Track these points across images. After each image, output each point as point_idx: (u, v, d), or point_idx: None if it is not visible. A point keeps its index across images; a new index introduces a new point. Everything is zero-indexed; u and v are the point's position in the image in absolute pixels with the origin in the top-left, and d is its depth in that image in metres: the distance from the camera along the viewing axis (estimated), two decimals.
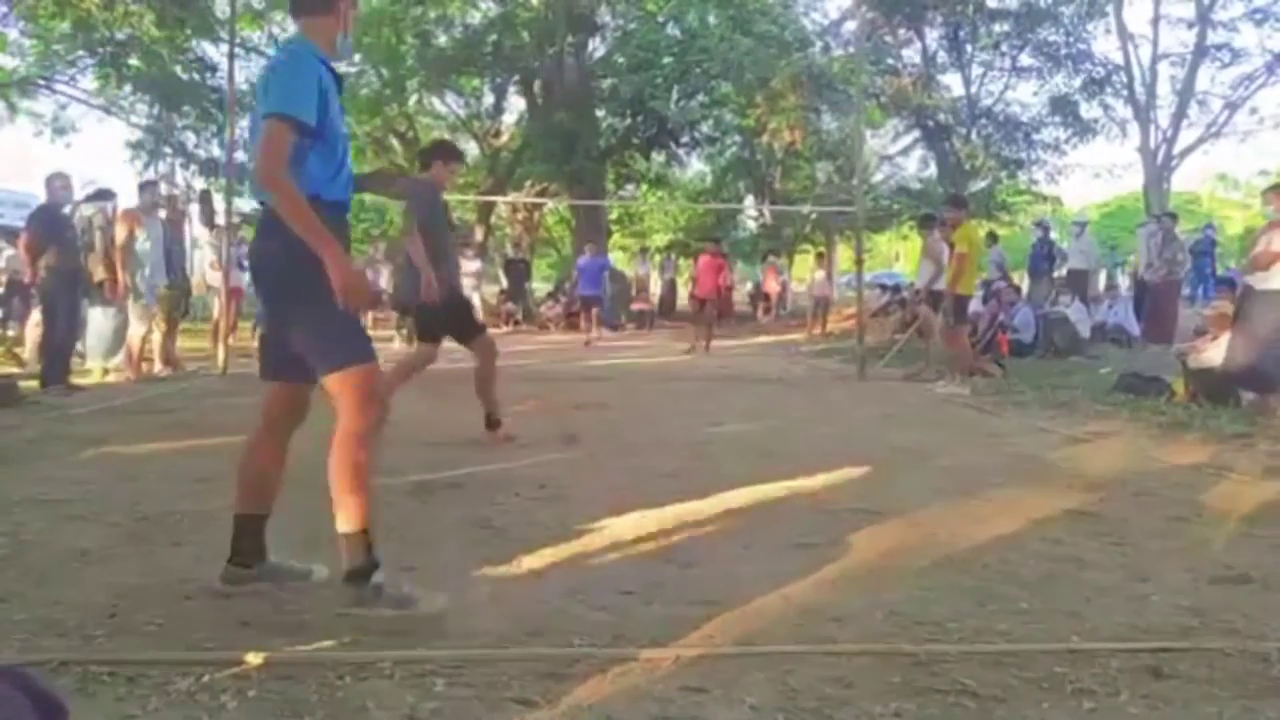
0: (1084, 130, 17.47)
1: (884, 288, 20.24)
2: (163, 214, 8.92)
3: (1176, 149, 18.02)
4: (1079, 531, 3.50)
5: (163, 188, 10.24)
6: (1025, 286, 14.66)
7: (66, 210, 7.78)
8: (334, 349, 2.50)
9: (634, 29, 20.94)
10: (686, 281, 23.30)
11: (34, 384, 7.17)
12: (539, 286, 21.60)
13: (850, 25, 17.44)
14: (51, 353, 7.26)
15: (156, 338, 8.76)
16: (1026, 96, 19.38)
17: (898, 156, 24.03)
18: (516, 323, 18.12)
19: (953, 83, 18.70)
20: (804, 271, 31.80)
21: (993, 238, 14.62)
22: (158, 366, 8.76)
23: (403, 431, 5.68)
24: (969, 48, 17.70)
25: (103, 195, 8.52)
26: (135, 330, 8.07)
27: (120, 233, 7.81)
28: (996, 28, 16.98)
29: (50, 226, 7.23)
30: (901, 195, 20.63)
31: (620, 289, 20.23)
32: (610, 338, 16.38)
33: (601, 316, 15.81)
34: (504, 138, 23.39)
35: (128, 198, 8.88)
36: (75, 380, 7.47)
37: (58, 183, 7.52)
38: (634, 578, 2.86)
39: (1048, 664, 2.25)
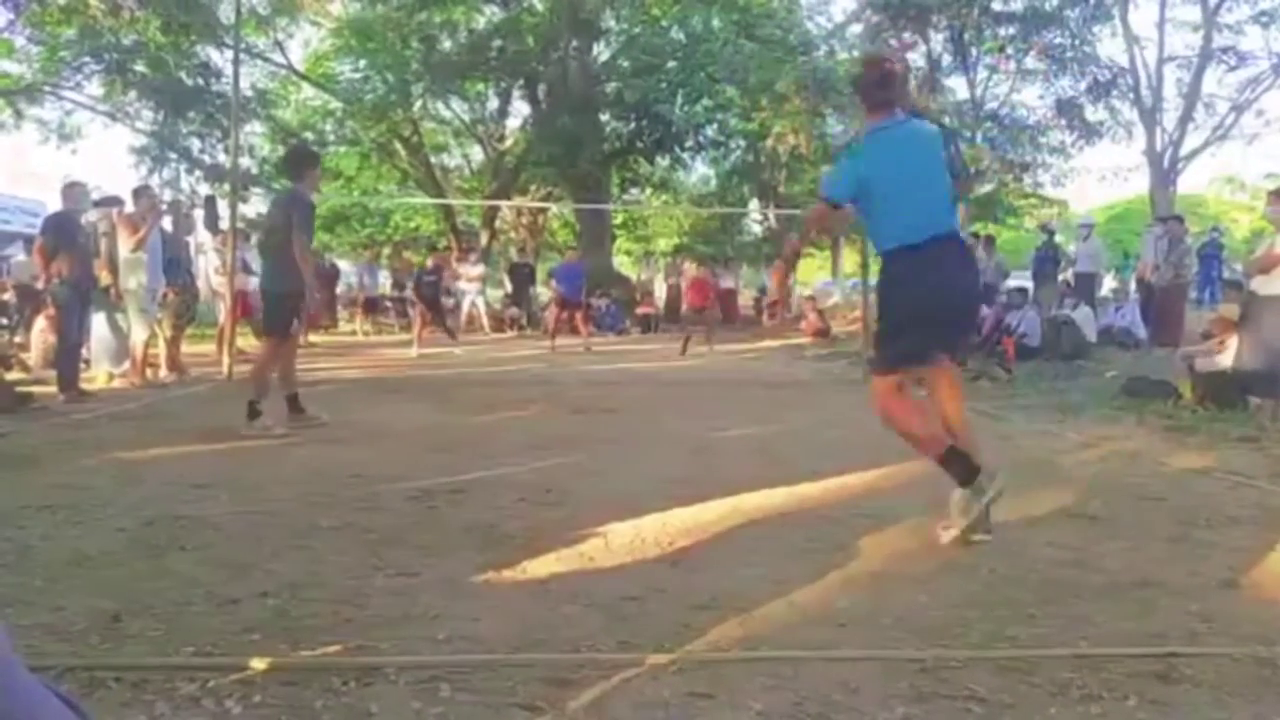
0: (1090, 133, 17.39)
1: None
2: (167, 220, 8.95)
3: (1183, 152, 17.94)
4: (1086, 535, 3.48)
5: (167, 193, 10.26)
6: (1030, 290, 14.59)
7: (90, 218, 7.82)
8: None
9: (638, 33, 20.99)
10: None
11: (43, 390, 7.20)
12: (543, 291, 21.64)
13: (855, 28, 17.42)
14: (63, 359, 7.27)
15: (161, 343, 8.79)
16: (1032, 99, 19.30)
17: None
18: (521, 327, 18.12)
19: (957, 86, 18.69)
20: (809, 275, 31.80)
21: (990, 240, 14.57)
22: (163, 372, 8.78)
23: (405, 438, 5.71)
24: (974, 50, 17.67)
25: (108, 201, 8.55)
26: (137, 336, 8.09)
27: (119, 237, 7.83)
28: (1002, 31, 16.95)
29: (64, 234, 7.25)
30: None
31: (624, 293, 20.21)
32: (614, 341, 16.37)
33: (588, 317, 15.69)
34: (508, 142, 23.43)
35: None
36: (82, 386, 7.49)
37: (74, 191, 7.55)
38: (638, 582, 2.86)
39: (1055, 669, 2.24)
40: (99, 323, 8.18)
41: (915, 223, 3.34)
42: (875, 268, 10.93)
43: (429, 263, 14.72)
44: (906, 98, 3.56)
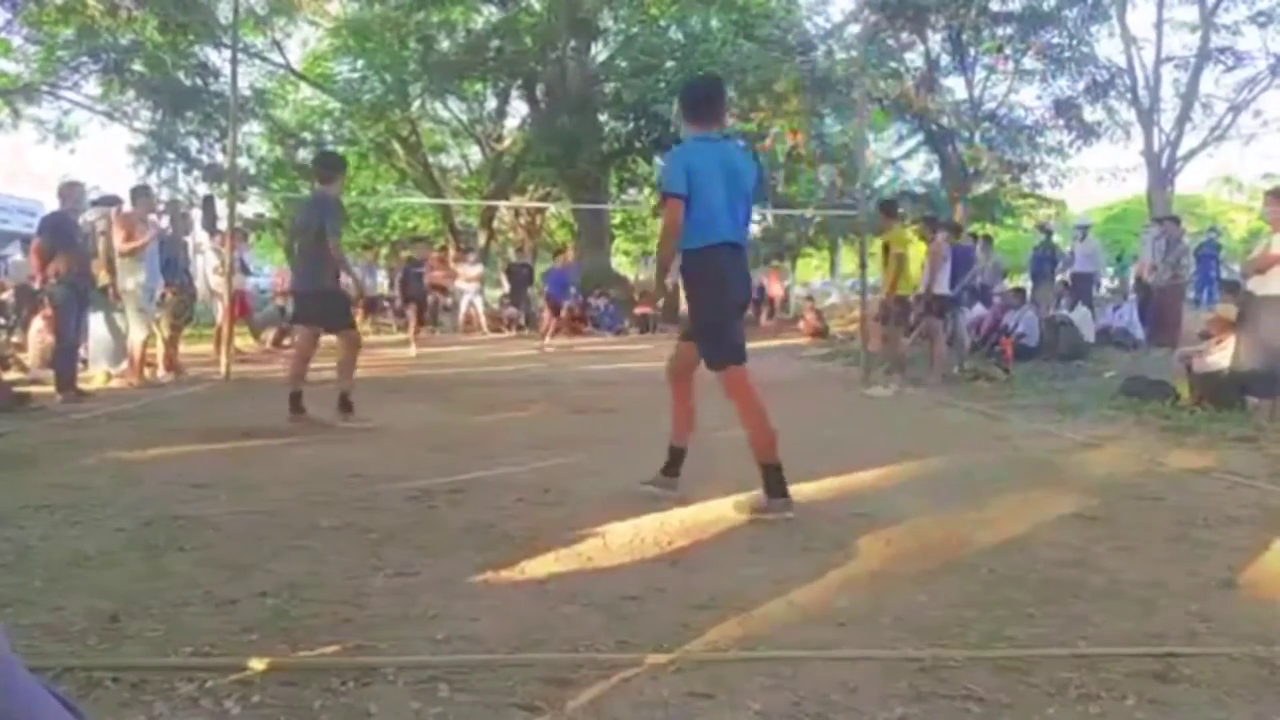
0: (1087, 133, 17.44)
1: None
2: (165, 219, 8.93)
3: (1180, 152, 17.97)
4: (1084, 536, 3.48)
5: (165, 193, 10.22)
6: (1028, 290, 14.61)
7: (88, 218, 7.81)
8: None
9: (636, 33, 20.98)
10: None
11: (41, 390, 7.19)
12: (536, 294, 21.68)
13: (853, 29, 17.41)
14: (61, 359, 7.25)
15: (159, 343, 8.78)
16: (1030, 100, 19.36)
17: (901, 160, 24.04)
18: (519, 328, 18.11)
19: (955, 86, 18.74)
20: (808, 275, 31.80)
21: (987, 240, 14.58)
22: (161, 372, 8.76)
23: (405, 438, 5.70)
24: (972, 51, 17.70)
25: (107, 201, 8.53)
26: (135, 336, 8.08)
27: (116, 238, 7.83)
28: (1000, 31, 16.98)
29: (61, 234, 7.24)
30: (905, 199, 20.63)
31: (622, 293, 20.21)
32: (613, 341, 16.38)
33: (574, 318, 15.67)
34: (506, 142, 23.43)
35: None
36: (80, 386, 7.48)
37: (71, 191, 7.53)
38: (637, 582, 2.86)
39: (1053, 669, 2.24)
40: (97, 323, 8.16)
41: (727, 229, 3.79)
42: (873, 268, 10.99)
43: (414, 254, 14.67)
44: (723, 121, 4.01)
